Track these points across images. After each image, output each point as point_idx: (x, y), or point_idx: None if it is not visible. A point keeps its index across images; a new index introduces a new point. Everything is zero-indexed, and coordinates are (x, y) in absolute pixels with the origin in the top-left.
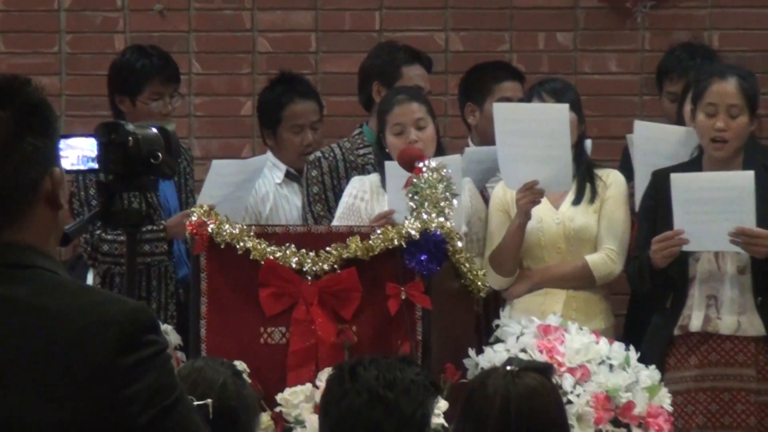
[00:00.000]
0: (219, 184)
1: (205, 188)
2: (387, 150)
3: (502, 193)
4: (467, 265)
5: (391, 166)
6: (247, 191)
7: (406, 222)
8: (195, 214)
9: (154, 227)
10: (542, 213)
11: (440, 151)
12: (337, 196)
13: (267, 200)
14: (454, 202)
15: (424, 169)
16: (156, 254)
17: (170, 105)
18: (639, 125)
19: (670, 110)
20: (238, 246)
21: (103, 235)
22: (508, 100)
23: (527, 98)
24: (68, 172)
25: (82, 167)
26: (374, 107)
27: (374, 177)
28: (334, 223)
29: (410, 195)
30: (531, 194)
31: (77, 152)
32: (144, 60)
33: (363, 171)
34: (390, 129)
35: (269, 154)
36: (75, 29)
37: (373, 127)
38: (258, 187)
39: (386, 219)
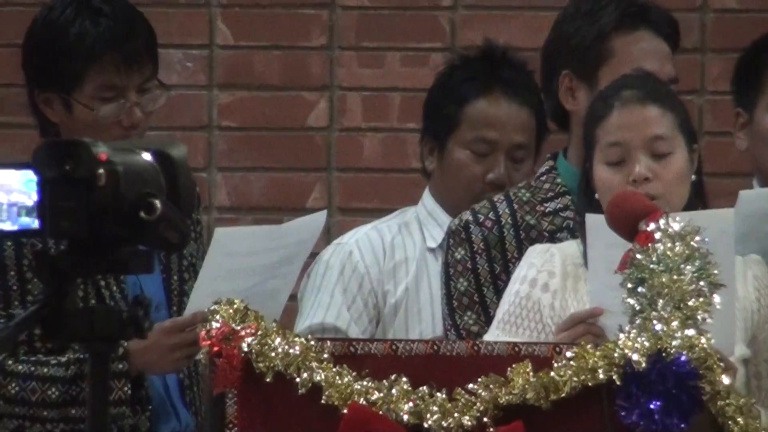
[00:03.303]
0: (229, 271)
1: (202, 278)
2: (597, 196)
3: None
4: (740, 420)
5: (597, 224)
6: (287, 279)
7: (621, 336)
8: (216, 317)
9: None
10: None
11: (698, 201)
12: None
13: (403, 275)
14: (717, 299)
15: (657, 234)
16: (110, 404)
17: (141, 106)
18: None
19: None
20: (298, 379)
21: (10, 363)
22: None
23: None
24: None
25: (5, 226)
26: (572, 120)
27: (573, 248)
28: (492, 333)
29: (629, 284)
30: None
31: None
32: (84, 22)
33: (553, 241)
34: (602, 154)
35: (426, 196)
36: None
37: (574, 159)
38: (390, 250)
39: (585, 326)
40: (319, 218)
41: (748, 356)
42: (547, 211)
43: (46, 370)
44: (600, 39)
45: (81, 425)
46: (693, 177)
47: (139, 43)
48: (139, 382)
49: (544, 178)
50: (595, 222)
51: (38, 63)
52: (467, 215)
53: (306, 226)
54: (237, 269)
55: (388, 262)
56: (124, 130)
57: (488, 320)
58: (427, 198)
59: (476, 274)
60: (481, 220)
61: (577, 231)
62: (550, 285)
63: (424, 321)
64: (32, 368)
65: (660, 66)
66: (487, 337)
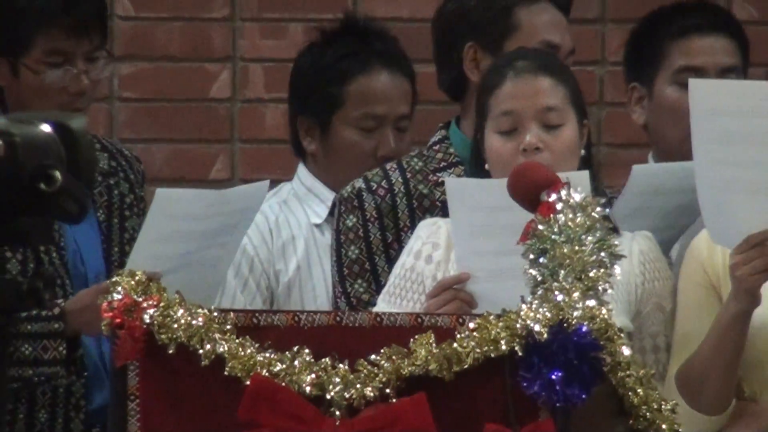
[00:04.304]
0: (169, 234)
1: (141, 241)
2: (487, 166)
3: (706, 254)
4: (640, 391)
5: (459, 188)
6: (228, 248)
7: (523, 307)
8: (118, 288)
9: (44, 312)
10: None
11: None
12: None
13: (292, 254)
14: (617, 270)
15: (559, 204)
16: (44, 364)
17: (89, 74)
18: None
19: None
20: (201, 350)
21: None
22: (701, 73)
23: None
24: None
25: None
26: (468, 90)
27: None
28: (379, 305)
29: (531, 255)
30: (762, 257)
31: None
32: None
33: (445, 211)
34: (494, 123)
35: (302, 171)
36: None
37: (468, 129)
38: (276, 228)
39: (453, 292)
40: (262, 188)
41: (630, 329)
42: (440, 180)
43: None
44: (504, 11)
45: (15, 384)
46: (582, 152)
47: (90, 10)
48: (75, 343)
49: (437, 147)
50: (457, 186)
51: None
52: (360, 183)
53: (248, 194)
54: (176, 231)
55: (276, 242)
56: (70, 96)
57: (379, 288)
58: (303, 174)
59: (368, 242)
60: (374, 188)
61: None
62: (434, 257)
63: (319, 297)
64: None
65: (561, 37)
66: (380, 305)
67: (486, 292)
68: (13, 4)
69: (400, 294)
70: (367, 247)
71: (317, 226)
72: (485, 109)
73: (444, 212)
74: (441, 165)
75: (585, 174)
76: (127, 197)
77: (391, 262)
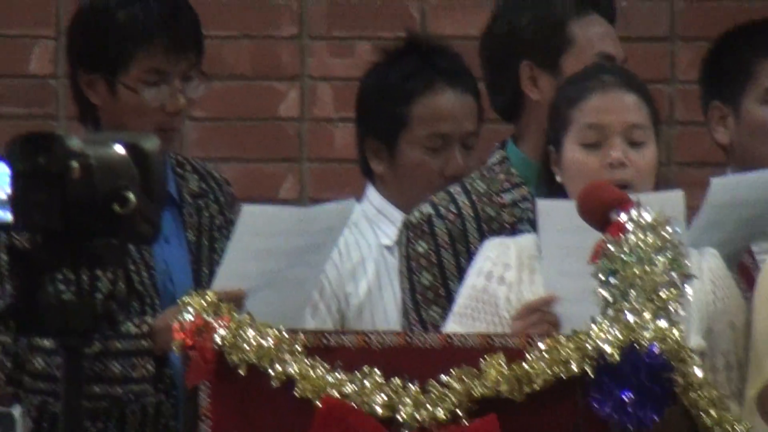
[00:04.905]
0: (255, 252)
1: (227, 258)
2: (559, 178)
3: None
4: (713, 413)
5: (549, 210)
6: (314, 267)
7: (594, 327)
8: (189, 309)
9: (134, 330)
10: None
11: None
12: None
13: (362, 276)
14: (689, 291)
15: (630, 225)
16: (133, 382)
17: (184, 94)
18: None
19: None
20: (271, 371)
21: (37, 341)
22: None
23: None
24: None
25: None
26: (525, 109)
27: (529, 240)
28: (448, 326)
29: (601, 275)
30: None
31: None
32: (134, 5)
33: (514, 233)
34: (577, 135)
35: (371, 193)
36: None
37: (527, 148)
38: (346, 251)
39: (540, 315)
40: (349, 207)
41: (704, 348)
42: (505, 202)
43: None
44: (558, 27)
45: (104, 402)
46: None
47: (188, 28)
48: (164, 361)
49: (497, 168)
50: (547, 207)
51: (86, 45)
52: (428, 208)
53: (334, 213)
54: (263, 249)
55: (345, 264)
56: (167, 115)
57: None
58: (373, 195)
59: (441, 268)
60: (443, 213)
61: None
62: (506, 277)
63: (391, 319)
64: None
65: (615, 48)
66: (450, 326)
67: (573, 313)
68: (112, 22)
69: (472, 315)
70: (440, 273)
71: (387, 247)
72: (566, 120)
73: (512, 233)
74: (504, 186)
75: (679, 194)
76: (217, 219)
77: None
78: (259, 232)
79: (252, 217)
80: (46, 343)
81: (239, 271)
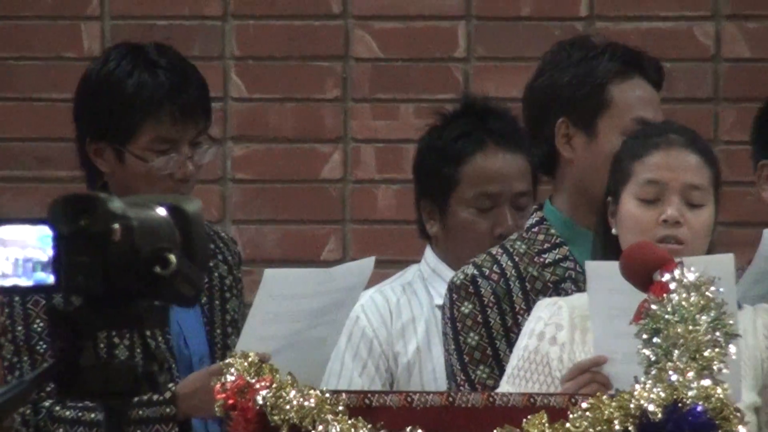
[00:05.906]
0: (277, 314)
1: (251, 322)
2: (614, 230)
3: None
4: None
5: (598, 270)
6: (334, 326)
7: (637, 387)
8: (231, 370)
9: (156, 396)
10: None
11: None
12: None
13: (412, 335)
14: (732, 350)
15: (672, 284)
16: None
17: (193, 161)
18: None
19: None
20: (313, 431)
21: (58, 409)
22: None
23: None
24: None
25: (20, 281)
26: (559, 166)
27: (580, 300)
28: (502, 388)
29: (645, 335)
30: None
31: (11, 252)
32: (142, 74)
33: (557, 292)
34: (636, 189)
35: (428, 253)
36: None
37: (562, 204)
38: (397, 310)
39: (590, 375)
40: (368, 264)
41: (759, 405)
42: (546, 262)
43: (93, 415)
44: (598, 88)
45: None
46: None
47: (196, 96)
48: (186, 427)
49: (536, 229)
50: (596, 268)
51: (93, 113)
52: (471, 269)
53: (354, 271)
54: (285, 311)
55: (395, 324)
56: (176, 182)
57: (502, 373)
58: (430, 256)
59: (488, 328)
60: (487, 273)
61: (581, 281)
62: (558, 338)
63: (440, 377)
64: (79, 414)
65: (654, 113)
66: (503, 386)
67: (623, 374)
68: (120, 92)
69: (525, 376)
70: (487, 332)
71: (440, 307)
72: (627, 173)
73: (555, 292)
74: (545, 246)
75: (730, 256)
76: (227, 279)
77: (511, 345)
78: (281, 294)
79: (274, 281)
80: (68, 413)
81: (262, 334)
